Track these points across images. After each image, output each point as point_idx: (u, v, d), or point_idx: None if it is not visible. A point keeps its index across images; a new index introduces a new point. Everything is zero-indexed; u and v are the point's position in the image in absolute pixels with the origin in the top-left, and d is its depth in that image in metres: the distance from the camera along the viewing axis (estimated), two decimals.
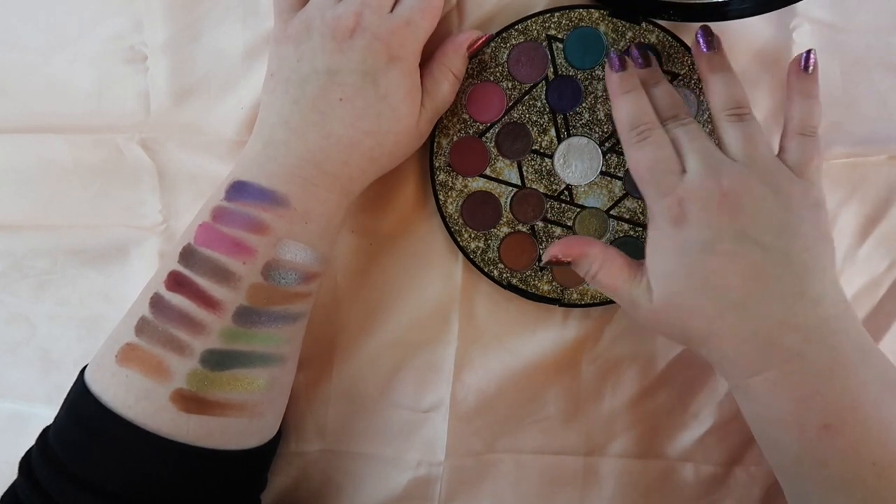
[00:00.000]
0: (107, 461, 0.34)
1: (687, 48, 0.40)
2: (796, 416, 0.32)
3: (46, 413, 0.44)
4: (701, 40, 0.38)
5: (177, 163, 0.43)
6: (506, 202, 0.42)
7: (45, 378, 0.46)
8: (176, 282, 0.35)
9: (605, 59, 0.38)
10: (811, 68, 0.37)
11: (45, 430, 0.36)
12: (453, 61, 0.39)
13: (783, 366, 0.32)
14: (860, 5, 0.41)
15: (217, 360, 0.34)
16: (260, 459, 0.39)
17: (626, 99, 0.37)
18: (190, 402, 0.34)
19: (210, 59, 0.43)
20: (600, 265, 0.36)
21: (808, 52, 0.37)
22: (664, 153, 0.35)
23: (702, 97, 0.40)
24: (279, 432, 0.40)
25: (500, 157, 0.42)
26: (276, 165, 0.36)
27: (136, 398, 0.34)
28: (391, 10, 0.37)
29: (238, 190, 0.36)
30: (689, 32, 0.41)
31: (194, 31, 0.43)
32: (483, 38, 0.40)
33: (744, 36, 0.42)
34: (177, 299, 0.34)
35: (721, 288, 0.33)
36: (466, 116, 0.42)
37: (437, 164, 0.42)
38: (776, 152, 0.36)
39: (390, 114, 0.36)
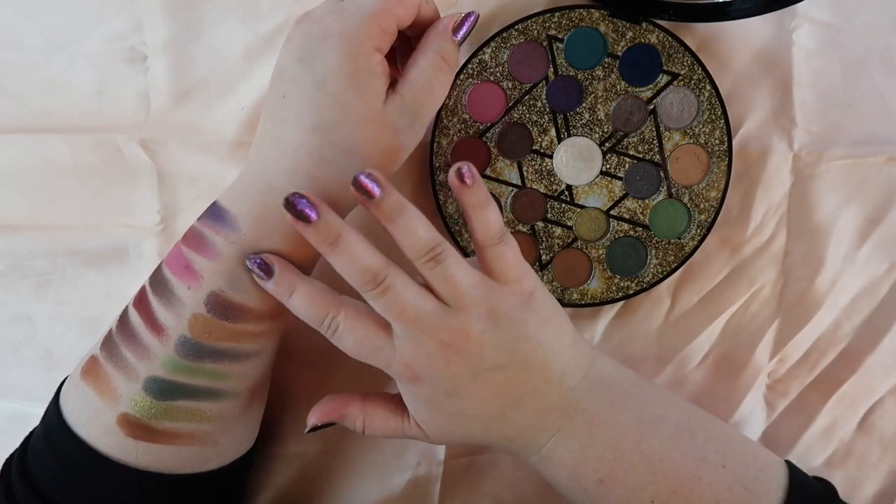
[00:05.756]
0: (66, 480, 0.33)
1: (687, 48, 0.40)
2: (575, 479, 0.34)
3: None
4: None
5: (176, 163, 0.43)
6: (506, 202, 0.42)
7: (47, 378, 0.45)
8: (139, 298, 0.34)
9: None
10: (469, 180, 0.32)
11: (32, 433, 0.36)
12: (439, 44, 0.34)
13: (552, 444, 0.34)
14: (860, 5, 0.41)
15: (160, 389, 0.33)
16: (228, 478, 0.37)
17: (295, 299, 0.32)
18: (136, 428, 0.33)
19: (210, 59, 0.43)
20: (363, 422, 0.36)
21: (460, 166, 0.32)
22: (361, 334, 0.32)
23: (702, 97, 0.40)
24: (254, 445, 0.39)
25: (501, 157, 0.42)
26: (238, 184, 0.34)
27: (87, 417, 0.33)
28: None
29: (209, 209, 0.34)
30: (690, 32, 0.41)
31: (194, 31, 0.43)
32: (469, 19, 0.35)
33: (744, 36, 0.42)
34: (134, 317, 0.33)
35: (478, 414, 0.34)
36: (466, 116, 0.42)
37: (437, 164, 0.42)
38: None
39: (332, 102, 0.32)
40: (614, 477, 0.34)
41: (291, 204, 0.30)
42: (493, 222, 0.32)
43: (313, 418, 0.36)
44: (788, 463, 0.36)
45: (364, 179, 0.30)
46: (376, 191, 0.30)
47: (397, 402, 0.36)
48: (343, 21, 0.32)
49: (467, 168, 0.31)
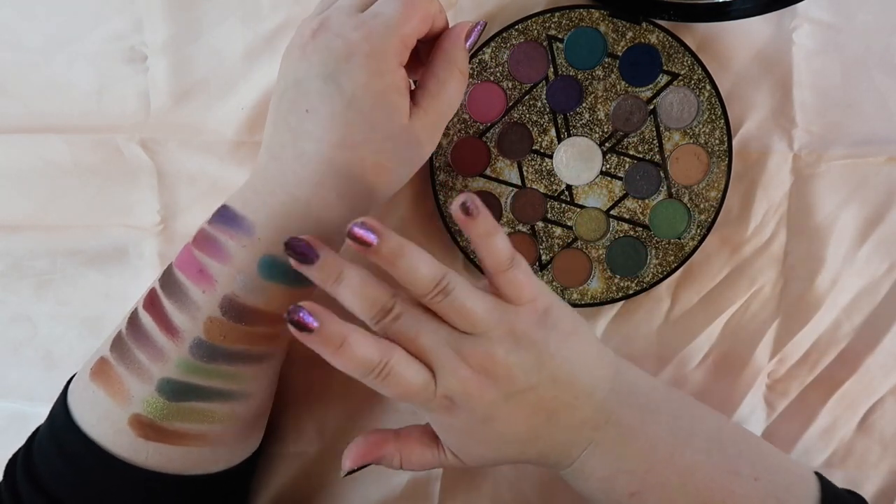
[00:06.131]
0: (71, 478, 0.33)
1: (687, 48, 0.40)
2: (607, 493, 0.35)
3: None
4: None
5: (176, 163, 0.43)
6: (506, 202, 0.42)
7: (47, 378, 0.46)
8: (150, 301, 0.34)
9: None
10: (475, 212, 0.31)
11: (35, 432, 0.36)
12: (454, 55, 0.35)
13: (584, 456, 0.34)
14: (860, 5, 0.41)
15: (173, 390, 0.33)
16: (233, 480, 0.38)
17: (339, 358, 0.30)
18: (147, 428, 0.33)
19: (210, 59, 0.43)
20: (400, 459, 0.35)
21: (464, 200, 0.31)
22: (407, 379, 0.31)
23: (702, 97, 0.40)
24: (257, 451, 0.40)
25: (501, 157, 0.42)
26: (251, 191, 0.34)
27: (98, 418, 0.33)
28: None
29: (220, 213, 0.34)
30: (690, 32, 0.41)
31: (194, 31, 0.43)
32: (477, 28, 0.36)
33: (744, 36, 0.42)
34: (146, 319, 0.34)
35: (514, 436, 0.33)
36: (466, 116, 0.42)
37: (437, 164, 0.42)
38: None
39: (361, 120, 0.32)
40: (647, 489, 0.34)
41: (291, 247, 0.30)
42: (500, 249, 0.32)
43: (349, 462, 0.35)
44: (819, 475, 0.36)
45: (358, 230, 0.29)
46: (372, 239, 0.29)
47: (430, 434, 0.35)
48: (370, 38, 0.32)
49: (471, 201, 0.31)
